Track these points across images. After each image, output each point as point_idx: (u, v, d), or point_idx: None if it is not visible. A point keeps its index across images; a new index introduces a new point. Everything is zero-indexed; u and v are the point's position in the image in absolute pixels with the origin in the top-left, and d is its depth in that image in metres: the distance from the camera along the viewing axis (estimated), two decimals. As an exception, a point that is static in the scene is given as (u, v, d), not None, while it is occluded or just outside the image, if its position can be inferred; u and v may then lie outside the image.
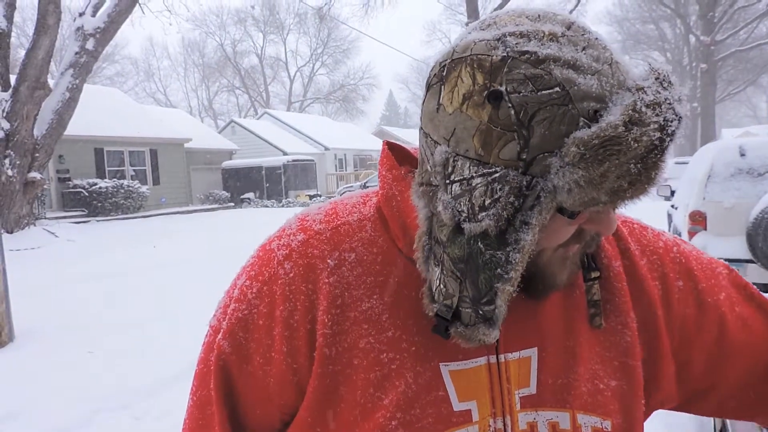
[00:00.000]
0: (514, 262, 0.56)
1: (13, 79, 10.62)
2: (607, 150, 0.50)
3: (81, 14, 9.66)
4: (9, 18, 8.51)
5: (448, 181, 0.58)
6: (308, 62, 53.65)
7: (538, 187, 0.54)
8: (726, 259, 4.24)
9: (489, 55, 0.55)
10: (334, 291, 0.65)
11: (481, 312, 0.59)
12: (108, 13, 9.71)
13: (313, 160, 26.10)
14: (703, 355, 0.74)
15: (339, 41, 52.39)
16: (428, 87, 0.60)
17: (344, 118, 52.16)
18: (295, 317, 0.65)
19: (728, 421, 2.66)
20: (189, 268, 8.13)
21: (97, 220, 16.17)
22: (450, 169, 0.57)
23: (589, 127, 0.51)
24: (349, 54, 53.67)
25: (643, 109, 0.51)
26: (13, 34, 8.95)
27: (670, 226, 6.97)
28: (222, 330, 0.70)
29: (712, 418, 2.58)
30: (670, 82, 0.53)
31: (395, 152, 0.73)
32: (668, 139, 0.52)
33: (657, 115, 0.51)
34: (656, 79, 0.53)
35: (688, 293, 0.74)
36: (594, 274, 0.69)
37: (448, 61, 0.58)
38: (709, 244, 4.90)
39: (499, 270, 0.57)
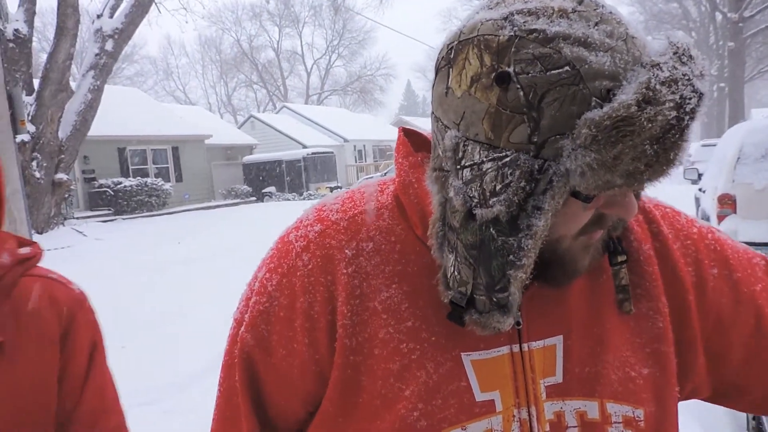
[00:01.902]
0: (526, 248, 0.55)
1: (36, 83, 10.86)
2: (620, 131, 0.48)
3: (99, 16, 9.78)
4: (30, 23, 8.65)
5: (458, 167, 0.56)
6: (324, 54, 53.65)
7: (551, 171, 0.52)
8: (756, 243, 4.13)
9: (496, 35, 0.53)
10: (353, 281, 0.65)
11: (495, 299, 0.58)
12: (125, 13, 9.82)
13: (332, 152, 26.14)
14: (739, 348, 0.71)
15: (354, 32, 52.25)
16: (437, 70, 0.59)
17: (362, 109, 52.09)
18: (315, 308, 0.65)
19: (764, 418, 2.57)
20: (214, 263, 8.23)
21: (123, 219, 16.45)
22: (460, 153, 0.56)
23: (602, 107, 0.49)
24: (365, 45, 53.53)
25: (658, 86, 0.48)
26: (34, 39, 9.10)
27: (698, 210, 6.82)
28: (245, 323, 0.70)
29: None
30: (690, 56, 0.51)
31: (412, 138, 0.72)
32: (687, 117, 0.49)
33: (673, 92, 0.48)
34: (674, 53, 0.50)
35: (722, 281, 0.71)
36: (620, 258, 0.67)
37: (455, 42, 0.56)
38: (739, 227, 4.77)
39: (511, 257, 0.55)
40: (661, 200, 0.77)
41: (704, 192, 6.32)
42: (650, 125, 0.48)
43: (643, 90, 0.48)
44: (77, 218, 14.96)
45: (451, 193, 0.58)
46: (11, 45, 8.25)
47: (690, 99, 0.49)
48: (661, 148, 0.49)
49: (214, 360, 0.76)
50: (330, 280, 0.65)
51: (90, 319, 0.91)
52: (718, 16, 35.31)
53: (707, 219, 5.46)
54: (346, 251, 0.66)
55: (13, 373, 0.81)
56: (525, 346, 0.64)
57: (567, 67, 0.50)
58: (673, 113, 0.48)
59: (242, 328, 0.70)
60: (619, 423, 0.64)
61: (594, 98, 0.50)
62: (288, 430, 0.73)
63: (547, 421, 0.63)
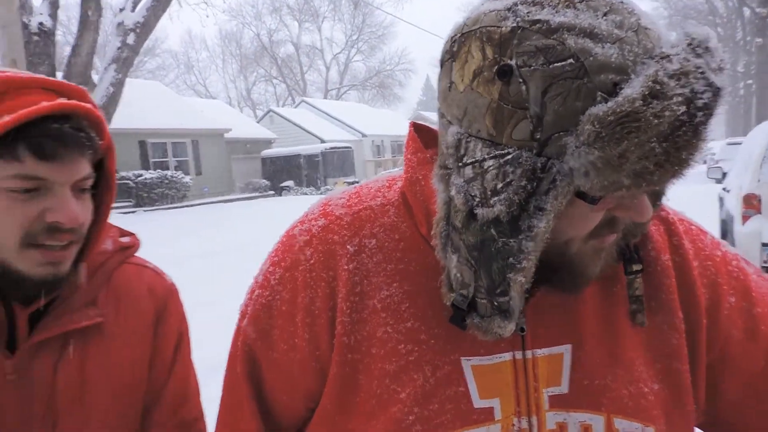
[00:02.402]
0: (526, 250, 0.52)
1: (59, 76, 11.04)
2: (625, 127, 0.45)
3: (121, 10, 9.88)
4: (53, 16, 8.77)
5: (460, 164, 0.54)
6: (344, 49, 53.65)
7: (554, 170, 0.49)
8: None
9: (498, 27, 0.50)
10: (353, 278, 0.63)
11: (496, 303, 0.55)
12: (146, 7, 9.91)
13: (350, 147, 26.16)
14: (738, 386, 0.66)
15: (374, 27, 52.16)
16: (442, 64, 0.57)
17: (381, 104, 52.08)
18: (316, 304, 0.64)
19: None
20: (231, 257, 8.29)
21: (144, 211, 16.66)
22: (462, 150, 0.54)
23: (607, 102, 0.46)
24: (385, 39, 53.41)
25: (665, 79, 0.45)
26: (58, 32, 9.24)
27: (721, 210, 6.68)
28: (247, 315, 0.69)
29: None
30: (706, 48, 0.47)
31: (423, 134, 0.69)
32: (700, 114, 0.45)
33: (682, 86, 0.45)
34: (688, 45, 0.47)
35: (738, 313, 0.66)
36: (636, 267, 0.63)
37: (459, 35, 0.54)
38: (763, 228, 4.65)
39: (511, 259, 0.52)
40: (687, 216, 0.73)
41: (728, 191, 6.18)
42: (657, 121, 0.44)
43: (650, 83, 0.45)
44: (98, 210, 15.16)
45: (453, 192, 0.55)
46: (35, 38, 8.38)
47: (702, 93, 0.45)
48: (672, 146, 0.45)
49: (225, 357, 0.76)
50: (332, 275, 0.64)
51: (179, 309, 0.95)
52: (746, 12, 34.54)
53: (731, 219, 5.34)
54: (348, 247, 0.64)
55: (110, 352, 0.85)
56: (529, 353, 0.62)
57: (571, 60, 0.47)
58: (682, 108, 0.45)
59: (245, 321, 0.70)
60: None
61: (599, 93, 0.47)
62: (290, 426, 0.72)
63: (548, 431, 0.61)
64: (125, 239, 0.94)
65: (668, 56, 0.46)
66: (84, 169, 0.77)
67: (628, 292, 0.64)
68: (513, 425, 0.60)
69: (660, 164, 0.46)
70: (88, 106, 0.77)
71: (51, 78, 0.79)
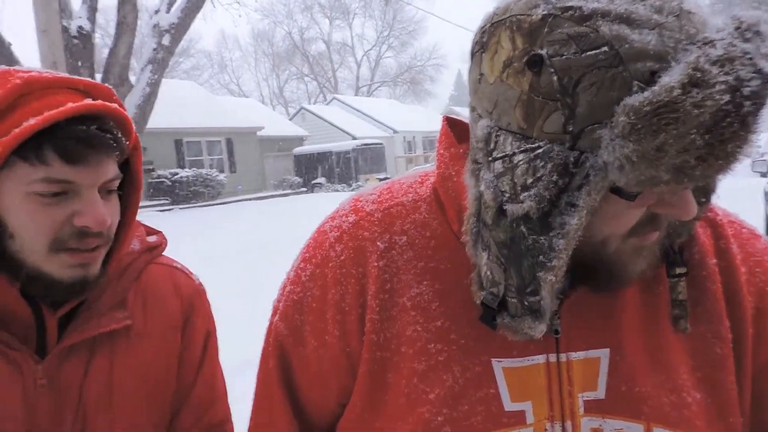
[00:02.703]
0: (557, 248, 0.49)
1: (98, 77, 11.33)
2: (662, 118, 0.42)
3: (156, 11, 10.08)
4: (92, 20, 9.00)
5: (490, 158, 0.52)
6: (375, 46, 53.64)
7: (587, 164, 0.46)
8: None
9: (529, 15, 0.48)
10: (383, 275, 0.62)
11: (526, 303, 0.53)
12: (181, 8, 10.08)
13: (382, 144, 26.15)
14: None
15: (405, 23, 51.95)
16: (472, 55, 0.55)
17: (412, 100, 51.90)
18: (346, 301, 0.63)
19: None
20: (266, 253, 8.39)
21: (180, 208, 16.99)
22: (492, 144, 0.52)
23: (644, 91, 0.43)
24: (416, 35, 53.15)
25: (707, 66, 0.41)
26: (96, 35, 9.47)
27: (767, 205, 6.43)
28: (279, 311, 0.69)
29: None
30: (756, 32, 0.43)
31: (456, 129, 0.67)
32: (747, 103, 0.41)
33: (726, 73, 0.41)
34: (735, 29, 0.43)
35: None
36: (679, 270, 0.60)
37: (488, 25, 0.52)
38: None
39: (541, 257, 0.50)
40: (741, 218, 0.69)
41: (774, 185, 5.95)
42: (698, 111, 0.41)
43: (690, 71, 0.42)
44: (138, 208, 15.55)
45: (482, 187, 0.54)
46: (75, 41, 8.61)
47: (750, 81, 0.41)
48: (716, 139, 0.42)
49: (255, 355, 0.76)
50: (361, 272, 0.63)
51: (207, 310, 0.94)
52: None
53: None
54: (379, 243, 0.63)
55: (138, 354, 0.85)
56: (563, 356, 0.59)
57: (605, 48, 0.45)
58: (726, 97, 0.41)
59: (277, 317, 0.69)
60: None
61: (636, 82, 0.44)
62: (322, 423, 0.71)
63: None
64: (152, 238, 0.93)
65: (712, 41, 0.43)
66: (111, 170, 0.77)
67: (671, 296, 0.61)
68: (546, 430, 0.58)
69: (702, 158, 0.43)
70: (114, 106, 0.76)
71: (76, 77, 0.78)
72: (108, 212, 0.76)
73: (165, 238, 0.96)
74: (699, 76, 0.42)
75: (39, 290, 0.76)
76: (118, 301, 0.84)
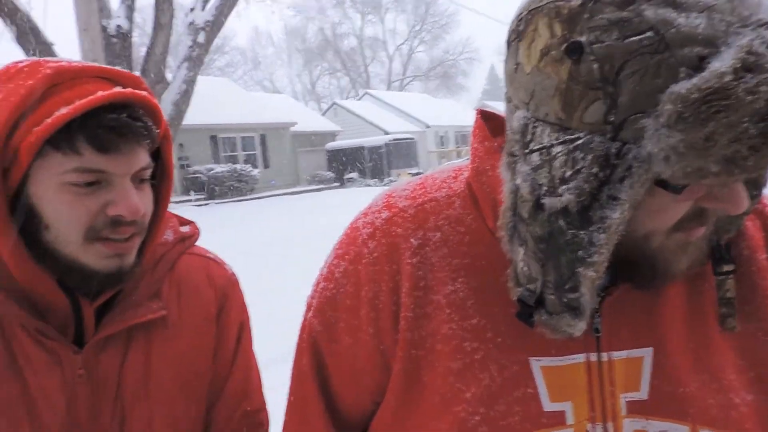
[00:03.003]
0: (597, 243, 0.47)
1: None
2: (712, 106, 0.39)
3: (192, 9, 10.25)
4: (130, 18, 9.22)
5: (527, 150, 0.50)
6: (407, 40, 53.51)
7: (630, 156, 0.44)
8: None
9: (567, 1, 0.46)
10: (417, 272, 0.61)
11: (565, 300, 0.51)
12: (216, 6, 10.24)
13: (414, 139, 26.10)
14: None
15: (437, 16, 51.69)
16: (508, 45, 0.53)
17: (444, 94, 51.66)
18: (380, 298, 0.62)
19: None
20: (299, 247, 8.47)
21: (215, 203, 17.32)
22: (529, 136, 0.50)
23: (692, 78, 0.40)
24: (448, 29, 52.83)
25: (762, 50, 0.39)
26: (134, 33, 9.69)
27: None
28: (313, 308, 0.69)
29: None
30: None
31: (491, 122, 0.65)
32: None
33: None
34: None
35: None
36: (727, 268, 0.57)
37: (525, 12, 0.50)
38: None
39: (581, 252, 0.48)
40: None
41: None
42: (751, 98, 0.39)
43: (743, 55, 0.39)
44: (175, 203, 15.91)
45: (518, 180, 0.51)
46: (113, 40, 8.84)
47: None
48: None
49: (289, 347, 0.76)
50: (395, 269, 0.62)
51: (240, 300, 0.94)
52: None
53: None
54: (412, 240, 0.62)
55: (174, 344, 0.85)
56: (605, 355, 0.57)
57: (649, 33, 0.42)
58: None
59: (310, 313, 0.69)
60: None
61: (683, 68, 0.41)
62: (357, 422, 0.71)
63: None
64: (185, 228, 0.93)
65: (767, 23, 0.40)
66: (143, 159, 0.76)
67: (718, 294, 0.58)
68: (587, 431, 0.57)
69: (755, 148, 0.40)
70: (144, 93, 0.76)
71: (102, 65, 0.78)
72: (141, 201, 0.76)
73: (198, 228, 0.95)
74: (753, 60, 0.39)
75: (76, 281, 0.77)
76: (153, 291, 0.85)
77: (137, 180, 0.77)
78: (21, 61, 0.75)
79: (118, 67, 0.78)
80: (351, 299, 0.64)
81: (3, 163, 0.71)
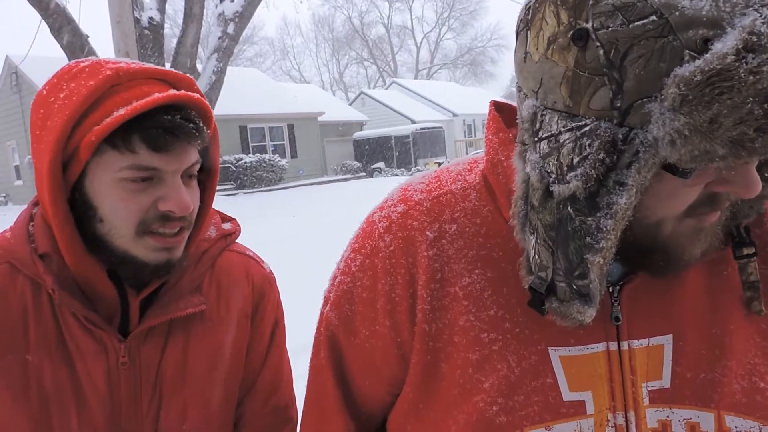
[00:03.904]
0: (605, 229, 0.47)
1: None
2: (715, 88, 0.39)
3: (222, 0, 10.34)
4: (161, 10, 9.34)
5: (536, 139, 0.51)
6: (434, 28, 52.99)
7: (636, 141, 0.44)
8: None
9: None
10: (433, 265, 0.61)
11: (575, 287, 0.51)
12: (245, -4, 10.30)
13: (441, 127, 25.91)
14: None
15: (465, 3, 50.96)
16: (517, 34, 0.53)
17: (472, 82, 51.10)
18: (396, 291, 0.62)
19: None
20: (326, 237, 8.53)
21: (244, 193, 17.51)
22: (538, 124, 0.50)
23: (696, 61, 0.40)
24: (476, 15, 52.07)
25: (764, 29, 0.38)
26: (166, 25, 9.82)
27: None
28: (330, 302, 0.70)
29: None
30: None
31: (505, 114, 0.65)
32: None
33: None
34: None
35: None
36: (747, 251, 0.56)
37: (533, 1, 0.50)
38: None
39: (588, 239, 0.48)
40: None
41: None
42: (754, 78, 0.39)
43: (745, 35, 0.39)
44: (204, 192, 16.12)
45: (528, 168, 0.52)
46: (146, 32, 8.97)
47: None
48: None
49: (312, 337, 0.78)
50: (411, 262, 0.62)
51: (276, 298, 0.97)
52: None
53: None
54: (428, 233, 0.63)
55: (211, 338, 0.88)
56: (625, 344, 0.57)
57: (653, 17, 0.42)
58: None
59: (327, 307, 0.70)
60: None
61: (687, 51, 0.41)
62: (375, 415, 0.72)
63: (649, 429, 0.56)
64: (227, 225, 0.96)
65: None
66: (193, 157, 0.80)
67: (741, 278, 0.58)
68: (608, 420, 0.57)
69: (762, 129, 0.40)
70: (197, 96, 0.79)
71: (158, 67, 0.81)
72: (190, 197, 0.79)
73: (239, 226, 0.98)
74: (755, 40, 0.39)
75: (128, 272, 0.81)
76: (195, 285, 0.88)
77: (186, 176, 0.80)
78: (82, 61, 0.79)
79: (171, 69, 0.82)
80: (368, 292, 0.65)
81: (63, 158, 0.75)
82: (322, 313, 0.72)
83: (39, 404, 0.79)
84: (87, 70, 0.77)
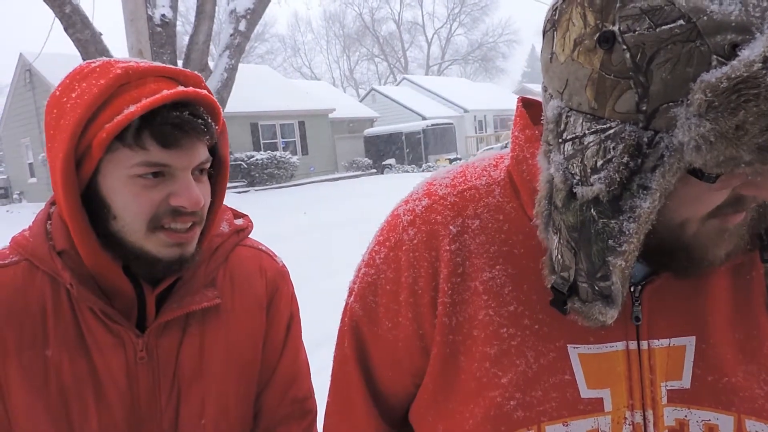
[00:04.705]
0: (628, 233, 0.47)
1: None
2: (741, 95, 0.39)
3: (233, -2, 10.37)
4: (174, 8, 9.39)
5: (560, 140, 0.51)
6: (445, 23, 52.82)
7: (662, 145, 0.44)
8: None
9: None
10: (455, 259, 0.62)
11: (597, 288, 0.51)
12: (256, -7, 10.31)
13: (452, 124, 25.84)
14: None
15: (476, -2, 50.74)
16: (544, 34, 0.53)
17: (483, 78, 50.88)
18: (419, 284, 0.63)
19: None
20: (337, 233, 8.56)
21: (255, 190, 17.59)
22: (562, 126, 0.50)
23: (723, 66, 0.40)
24: (487, 11, 51.94)
25: None
26: (178, 22, 9.87)
27: None
28: (354, 293, 0.71)
29: None
30: None
31: (532, 110, 0.65)
32: None
33: None
34: None
35: None
36: None
37: (560, 2, 0.50)
38: None
39: (611, 242, 0.48)
40: None
41: None
42: None
43: None
44: (216, 189, 16.19)
45: (552, 169, 0.52)
46: (158, 29, 9.03)
47: None
48: None
49: (330, 331, 0.79)
50: (434, 256, 0.63)
51: (290, 291, 0.98)
52: None
53: None
54: (451, 228, 0.63)
55: (227, 332, 0.89)
56: (644, 343, 0.57)
57: (681, 21, 0.42)
58: None
59: (352, 298, 0.71)
60: None
61: (715, 56, 0.41)
62: (397, 405, 0.73)
63: (666, 427, 0.56)
64: (239, 221, 0.97)
65: None
66: (203, 153, 0.81)
67: (766, 282, 0.58)
68: (625, 418, 0.57)
69: None
70: (205, 92, 0.80)
71: (167, 65, 0.82)
72: (201, 193, 0.80)
73: (251, 221, 0.99)
74: None
75: (142, 268, 0.82)
76: (209, 280, 0.89)
77: (197, 172, 0.81)
78: (94, 61, 0.81)
79: (194, 64, 0.83)
80: (391, 284, 0.66)
81: (76, 157, 0.76)
82: (346, 304, 0.73)
83: (58, 399, 0.80)
84: (98, 70, 0.78)
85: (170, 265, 0.81)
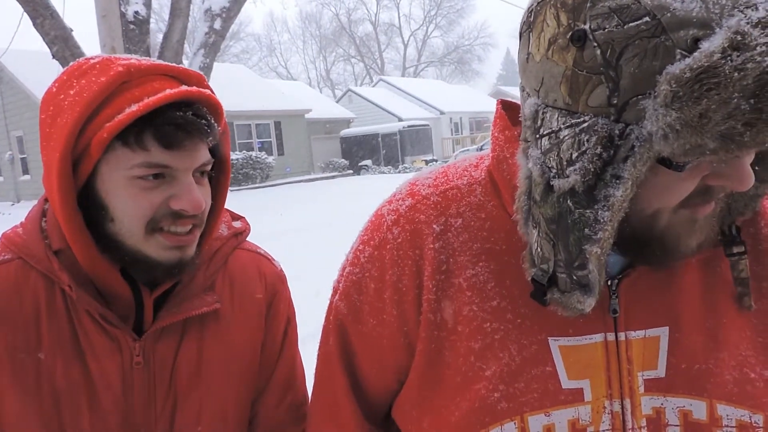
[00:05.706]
0: (602, 221, 0.49)
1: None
2: (703, 84, 0.41)
3: (208, -4, 10.24)
4: (147, 5, 9.24)
5: (537, 135, 0.53)
6: (422, 25, 53.04)
7: (632, 136, 0.46)
8: None
9: None
10: (439, 257, 0.63)
11: (575, 277, 0.53)
12: (232, -8, 10.21)
13: (428, 125, 25.95)
14: None
15: (453, 1, 51.11)
16: (520, 36, 0.55)
17: (459, 80, 51.25)
18: (403, 281, 0.65)
19: None
20: (315, 233, 8.53)
21: (231, 190, 17.34)
22: (539, 122, 0.53)
23: (686, 59, 0.42)
24: (464, 13, 52.28)
25: (748, 29, 0.41)
26: (151, 20, 9.72)
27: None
28: (339, 291, 0.72)
29: None
30: None
31: (511, 112, 0.68)
32: None
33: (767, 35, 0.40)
34: None
35: None
36: (737, 249, 0.59)
37: (535, 4, 0.53)
38: None
39: (587, 230, 0.51)
40: None
41: None
42: (739, 75, 0.41)
43: (731, 35, 0.41)
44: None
45: (530, 164, 0.54)
46: (132, 26, 8.88)
47: None
48: (764, 103, 0.41)
49: (317, 326, 0.78)
50: (418, 254, 0.64)
51: (288, 296, 0.97)
52: None
53: None
54: (435, 226, 0.65)
55: (226, 337, 0.87)
56: (622, 335, 0.59)
57: (646, 18, 0.44)
58: None
59: (336, 296, 0.72)
60: (731, 427, 0.58)
61: (679, 50, 0.43)
62: (380, 402, 0.73)
63: (644, 415, 0.58)
64: (237, 224, 0.95)
65: (755, 4, 0.42)
66: (204, 154, 0.79)
67: (733, 275, 0.60)
68: (604, 407, 0.59)
69: (750, 123, 0.42)
70: (208, 92, 0.77)
71: (169, 64, 0.80)
72: (202, 195, 0.78)
73: (248, 224, 0.97)
74: (739, 39, 0.42)
75: (141, 271, 0.79)
76: (208, 284, 0.87)
77: (198, 173, 0.79)
78: (92, 57, 0.78)
79: (167, 62, 0.80)
80: (376, 283, 0.67)
81: (73, 157, 0.73)
82: (331, 303, 0.74)
83: (51, 403, 0.77)
84: (97, 66, 0.75)
85: (170, 268, 0.79)
